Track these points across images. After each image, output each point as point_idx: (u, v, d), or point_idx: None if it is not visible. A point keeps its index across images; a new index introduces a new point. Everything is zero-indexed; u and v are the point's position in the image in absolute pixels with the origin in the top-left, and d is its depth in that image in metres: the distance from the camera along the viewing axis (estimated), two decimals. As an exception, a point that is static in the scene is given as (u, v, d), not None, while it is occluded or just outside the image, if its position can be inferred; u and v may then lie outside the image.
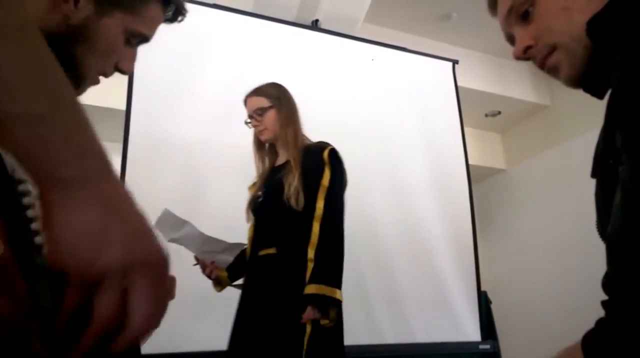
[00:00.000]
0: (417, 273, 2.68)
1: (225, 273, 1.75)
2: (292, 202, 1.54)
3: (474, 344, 2.72)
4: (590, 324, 0.60)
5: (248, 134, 2.50)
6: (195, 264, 1.75)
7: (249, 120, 1.77)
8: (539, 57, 0.76)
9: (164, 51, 2.45)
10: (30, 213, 0.44)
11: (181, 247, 2.21)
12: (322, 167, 1.60)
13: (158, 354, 1.98)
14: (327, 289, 1.44)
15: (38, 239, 0.43)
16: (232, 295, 2.22)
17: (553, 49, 0.74)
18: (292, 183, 1.55)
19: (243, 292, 1.67)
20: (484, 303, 2.92)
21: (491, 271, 4.37)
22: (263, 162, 1.79)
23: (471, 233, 2.96)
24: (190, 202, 2.31)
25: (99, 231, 0.36)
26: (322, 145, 1.67)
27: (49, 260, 0.36)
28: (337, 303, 1.47)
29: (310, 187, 1.56)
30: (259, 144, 1.81)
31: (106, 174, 0.39)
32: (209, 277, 1.73)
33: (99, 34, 0.64)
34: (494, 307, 3.11)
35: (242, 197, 2.37)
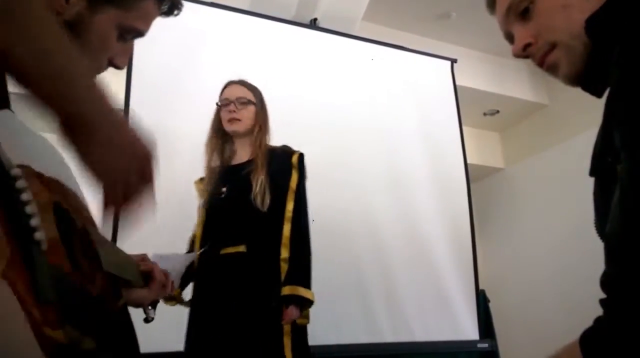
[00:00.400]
0: (415, 272, 2.68)
1: (178, 290, 1.64)
2: (258, 201, 1.56)
3: (472, 343, 2.73)
4: (588, 323, 0.60)
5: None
6: None
7: (220, 103, 1.74)
8: (538, 54, 0.76)
9: (161, 49, 2.45)
10: (28, 209, 0.44)
11: (182, 248, 2.21)
12: (289, 170, 1.66)
13: (158, 353, 1.98)
14: (303, 290, 1.53)
15: (37, 235, 0.43)
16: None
17: (553, 46, 0.74)
18: (260, 183, 1.57)
19: (203, 291, 1.59)
20: (482, 302, 2.92)
21: (489, 270, 4.37)
22: (213, 153, 1.73)
23: (469, 232, 2.96)
24: (188, 200, 2.31)
25: (119, 153, 0.53)
26: (289, 150, 1.73)
27: (94, 174, 0.53)
28: (311, 304, 1.56)
29: (276, 188, 1.60)
30: (217, 133, 1.75)
31: (113, 111, 0.53)
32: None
33: (92, 30, 0.64)
34: (492, 305, 3.12)
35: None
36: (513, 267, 4.45)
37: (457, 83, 3.29)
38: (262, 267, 1.54)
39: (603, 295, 0.59)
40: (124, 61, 0.71)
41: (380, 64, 3.04)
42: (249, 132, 1.71)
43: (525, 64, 4.34)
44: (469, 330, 2.74)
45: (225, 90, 1.77)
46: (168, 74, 2.44)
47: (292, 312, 1.49)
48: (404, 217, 2.73)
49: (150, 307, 0.96)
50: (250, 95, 1.74)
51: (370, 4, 3.10)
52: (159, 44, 2.45)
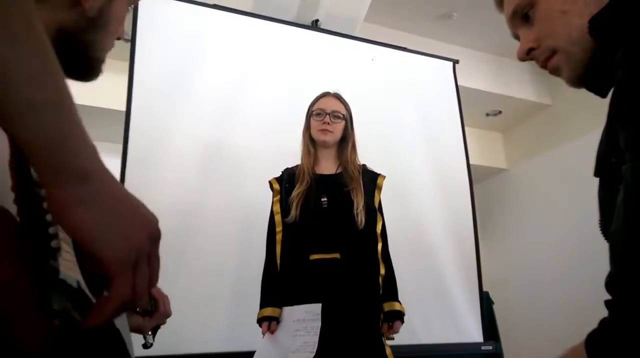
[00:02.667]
0: (418, 273, 2.67)
1: (276, 309, 1.66)
2: (359, 219, 1.67)
3: (476, 345, 2.71)
4: (593, 324, 0.59)
5: (247, 134, 2.51)
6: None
7: (314, 112, 1.82)
8: (540, 59, 0.77)
9: (163, 52, 2.45)
10: (49, 217, 0.43)
11: (186, 252, 2.21)
12: (374, 190, 1.80)
13: (164, 356, 1.98)
14: (398, 305, 1.70)
15: (54, 243, 0.43)
16: (236, 297, 2.22)
17: (553, 52, 0.75)
18: (361, 203, 1.70)
19: (297, 294, 1.63)
20: (486, 303, 2.90)
21: (493, 271, 4.36)
22: (310, 160, 1.81)
23: (473, 234, 2.94)
24: (190, 203, 2.31)
25: (122, 219, 0.42)
26: (374, 172, 1.86)
27: (87, 251, 0.40)
28: (403, 315, 1.72)
29: (365, 206, 1.72)
30: (309, 140, 1.84)
31: (102, 164, 0.43)
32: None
33: (111, 16, 0.64)
34: (496, 307, 3.10)
35: (242, 197, 2.37)
36: (517, 269, 4.44)
37: (459, 84, 3.28)
38: (363, 280, 1.66)
39: (608, 297, 0.59)
40: (123, 30, 0.71)
41: (381, 64, 3.03)
42: (335, 145, 1.82)
43: (528, 64, 4.30)
44: (473, 332, 2.73)
45: (321, 101, 1.85)
46: (170, 77, 2.44)
47: (398, 325, 1.67)
48: (406, 219, 2.72)
49: (150, 333, 0.97)
50: (343, 110, 1.83)
51: (372, 5, 3.10)
52: (160, 46, 2.46)
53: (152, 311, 0.93)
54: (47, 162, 0.38)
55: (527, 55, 0.78)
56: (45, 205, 0.42)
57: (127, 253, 0.41)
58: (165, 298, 0.98)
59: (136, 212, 0.44)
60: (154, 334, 0.98)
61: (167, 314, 0.97)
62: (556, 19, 0.73)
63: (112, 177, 0.43)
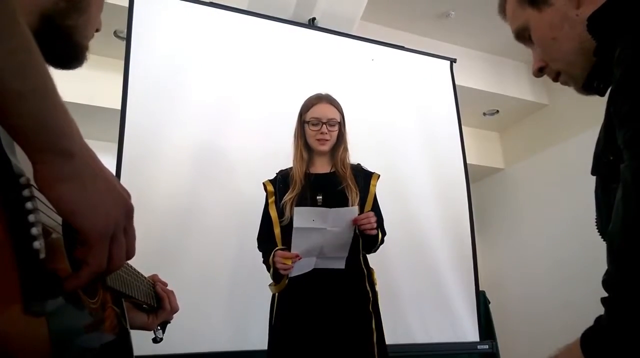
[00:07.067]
0: (415, 273, 2.67)
1: (285, 282, 1.69)
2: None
3: (473, 344, 2.71)
4: (589, 322, 0.59)
5: (243, 133, 2.50)
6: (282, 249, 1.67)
7: (309, 121, 1.79)
8: (550, 77, 0.83)
9: (159, 50, 2.44)
10: (31, 218, 0.44)
11: (180, 249, 2.20)
12: (368, 188, 1.82)
13: (161, 355, 1.97)
14: (380, 233, 1.71)
15: (36, 244, 0.43)
16: (232, 295, 2.22)
17: (558, 73, 0.80)
18: (355, 199, 1.71)
19: (296, 288, 1.65)
20: (482, 303, 2.91)
21: (489, 271, 4.37)
22: (303, 165, 1.81)
23: (470, 233, 2.94)
24: (185, 201, 2.30)
25: (102, 195, 0.46)
26: (368, 171, 1.88)
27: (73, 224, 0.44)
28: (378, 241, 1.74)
29: (361, 203, 1.74)
30: (305, 147, 1.83)
31: (83, 143, 0.46)
32: (276, 270, 1.65)
33: (93, 1, 0.64)
34: (492, 307, 3.11)
35: (237, 196, 2.36)
36: (513, 268, 4.45)
37: (457, 83, 3.28)
38: (352, 268, 1.68)
39: (604, 295, 0.58)
40: (101, 22, 0.71)
41: (378, 63, 3.03)
42: (335, 152, 1.83)
43: (525, 64, 4.34)
44: (470, 332, 2.73)
45: (316, 109, 1.81)
46: (165, 75, 2.42)
47: (372, 217, 1.62)
48: (403, 218, 2.72)
49: (159, 328, 0.98)
50: (338, 116, 1.82)
51: (369, 4, 3.09)
52: (156, 44, 2.44)
53: (156, 308, 0.93)
54: (35, 143, 0.41)
55: (539, 72, 0.83)
56: (25, 193, 0.44)
57: (105, 225, 0.45)
58: (171, 294, 0.99)
59: (113, 189, 0.48)
60: (163, 330, 0.99)
61: (174, 310, 0.98)
62: (550, 46, 0.78)
63: (92, 156, 0.46)
